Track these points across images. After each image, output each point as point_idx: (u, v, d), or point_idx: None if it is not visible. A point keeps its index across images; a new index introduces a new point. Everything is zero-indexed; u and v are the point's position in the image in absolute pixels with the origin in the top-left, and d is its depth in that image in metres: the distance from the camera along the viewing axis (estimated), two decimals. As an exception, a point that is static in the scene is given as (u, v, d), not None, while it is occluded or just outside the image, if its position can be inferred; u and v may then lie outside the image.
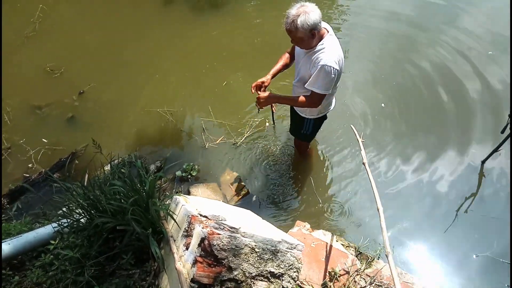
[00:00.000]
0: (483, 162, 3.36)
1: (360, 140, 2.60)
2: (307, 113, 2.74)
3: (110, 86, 4.68)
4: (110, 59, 5.07)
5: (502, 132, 2.91)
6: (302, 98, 2.45)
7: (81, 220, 2.40)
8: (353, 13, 5.21)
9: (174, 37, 5.30)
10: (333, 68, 2.23)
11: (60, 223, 2.38)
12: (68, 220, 2.36)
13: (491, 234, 2.97)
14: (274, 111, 3.53)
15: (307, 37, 2.22)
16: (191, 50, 5.04)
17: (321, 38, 2.31)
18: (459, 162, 3.44)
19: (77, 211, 2.46)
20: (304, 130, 2.90)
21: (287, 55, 2.73)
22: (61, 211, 2.67)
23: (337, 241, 2.58)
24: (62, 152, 3.92)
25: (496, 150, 3.13)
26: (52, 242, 2.38)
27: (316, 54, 2.30)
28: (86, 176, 3.24)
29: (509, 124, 2.80)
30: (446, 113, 3.87)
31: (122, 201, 2.31)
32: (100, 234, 2.30)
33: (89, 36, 5.60)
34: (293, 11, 2.17)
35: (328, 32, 2.35)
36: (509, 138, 2.89)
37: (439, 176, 3.36)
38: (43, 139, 4.04)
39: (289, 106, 3.00)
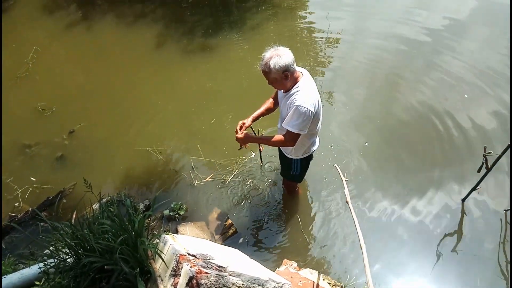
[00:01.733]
0: (463, 200, 3.47)
1: (343, 179, 2.70)
2: (293, 154, 2.84)
3: (100, 125, 4.78)
4: (101, 99, 5.21)
5: (478, 171, 3.04)
6: (277, 137, 2.57)
7: (67, 259, 2.39)
8: (337, 57, 5.47)
9: (164, 79, 5.49)
10: (307, 109, 2.36)
11: (46, 263, 2.37)
12: (55, 260, 2.34)
13: (474, 271, 3.02)
14: (261, 150, 3.64)
15: (280, 78, 2.37)
16: (180, 91, 5.21)
17: (295, 80, 2.46)
18: (441, 201, 3.53)
19: (64, 251, 2.46)
20: (293, 171, 3.00)
21: (271, 100, 2.90)
22: (47, 250, 2.65)
23: (323, 279, 2.61)
24: (50, 191, 3.93)
25: (474, 188, 3.25)
26: (37, 283, 2.36)
27: (292, 96, 2.44)
28: (74, 214, 3.25)
29: (484, 164, 2.94)
30: (427, 153, 4.01)
31: (111, 240, 2.32)
32: (87, 274, 2.28)
33: (80, 77, 5.78)
34: (267, 54, 2.36)
35: (303, 75, 2.50)
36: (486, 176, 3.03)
37: (421, 214, 3.44)
38: (32, 178, 4.05)
39: (277, 148, 3.11)
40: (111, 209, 2.59)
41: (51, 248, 2.54)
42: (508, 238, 3.19)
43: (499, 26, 5.69)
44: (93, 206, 3.44)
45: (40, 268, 2.36)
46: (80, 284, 2.26)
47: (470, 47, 5.39)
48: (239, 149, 2.87)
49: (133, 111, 4.93)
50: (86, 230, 2.37)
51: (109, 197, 3.59)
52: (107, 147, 4.45)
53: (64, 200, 3.85)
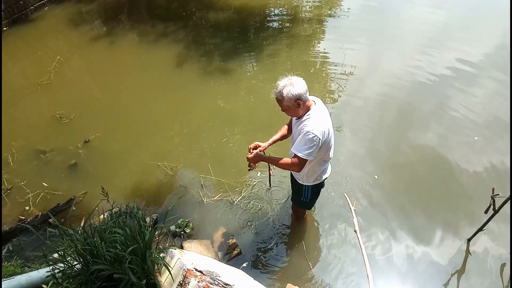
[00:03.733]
0: (469, 240, 3.47)
1: (352, 208, 2.74)
2: (304, 180, 2.89)
3: (115, 137, 4.89)
4: (118, 113, 5.35)
5: (486, 212, 3.05)
6: (286, 160, 2.62)
7: (76, 265, 2.43)
8: (349, 90, 5.59)
9: (180, 97, 5.64)
10: (316, 136, 2.43)
11: (54, 267, 2.41)
12: (64, 264, 2.38)
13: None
14: (271, 174, 3.70)
15: (293, 106, 2.47)
16: (195, 110, 5.34)
17: (308, 109, 2.55)
18: (447, 240, 3.52)
19: (73, 256, 2.50)
20: (304, 198, 3.04)
21: (285, 126, 3.00)
22: (56, 254, 2.69)
23: (326, 307, 2.60)
24: (60, 197, 4.00)
25: (481, 229, 3.26)
26: (44, 286, 2.39)
27: (303, 123, 2.53)
28: (83, 221, 3.31)
29: (491, 205, 2.97)
30: (435, 190, 4.02)
31: (120, 249, 2.36)
32: (94, 281, 2.32)
33: (99, 90, 5.98)
34: (281, 82, 2.47)
35: (315, 103, 2.60)
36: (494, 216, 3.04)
37: (427, 252, 3.43)
38: (44, 183, 4.13)
39: (290, 175, 3.17)
40: (123, 220, 2.65)
41: (60, 252, 2.58)
42: (513, 282, 3.18)
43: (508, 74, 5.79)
44: (101, 216, 3.48)
45: (48, 272, 2.39)
46: (86, 290, 2.30)
47: (481, 92, 5.46)
48: (249, 170, 2.93)
49: (147, 127, 5.06)
50: (97, 238, 2.42)
51: (119, 208, 3.64)
52: (119, 159, 4.55)
53: (74, 208, 3.90)
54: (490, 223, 3.11)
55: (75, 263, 2.44)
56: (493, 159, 4.28)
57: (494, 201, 2.93)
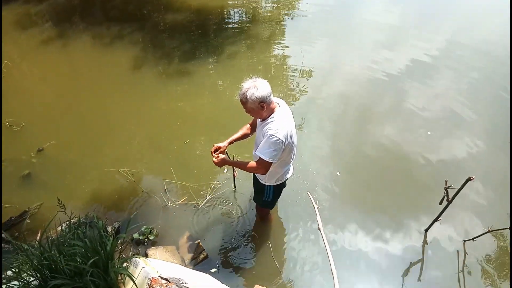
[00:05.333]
0: (426, 230, 3.65)
1: (315, 206, 2.80)
2: (266, 180, 2.92)
3: (70, 145, 4.69)
4: (72, 119, 5.13)
5: (440, 203, 3.23)
6: (251, 164, 2.65)
7: (33, 282, 2.31)
8: (309, 89, 5.70)
9: (139, 101, 5.50)
10: (279, 139, 2.46)
11: (8, 285, 2.28)
12: (20, 282, 2.26)
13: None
14: (235, 176, 3.70)
15: (257, 108, 2.49)
16: (155, 114, 5.23)
17: (272, 111, 2.58)
18: (406, 231, 3.69)
19: (28, 273, 2.38)
20: (266, 197, 3.07)
21: (248, 126, 3.02)
22: (9, 272, 2.54)
23: (293, 305, 2.64)
24: (13, 211, 3.78)
25: (436, 219, 3.44)
26: (-2, 306, 2.25)
27: (267, 126, 2.56)
28: (39, 235, 3.15)
29: (445, 196, 3.14)
30: (395, 184, 4.21)
31: (80, 262, 2.28)
32: (53, 297, 2.22)
33: (52, 95, 5.70)
34: (245, 84, 2.48)
35: (279, 105, 2.64)
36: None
37: (387, 244, 3.57)
38: (-6, 196, 3.88)
39: (252, 175, 3.19)
40: (82, 231, 2.55)
41: (14, 269, 2.44)
42: (466, 267, 3.37)
43: (464, 67, 6.19)
44: (58, 228, 3.33)
45: (1, 291, 2.26)
46: (45, 308, 2.19)
47: (435, 87, 5.76)
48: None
49: (105, 132, 4.90)
50: (55, 251, 2.32)
51: (77, 218, 3.50)
52: (76, 168, 4.36)
53: (28, 221, 3.70)
54: (445, 213, 3.28)
55: (32, 279, 2.33)
56: (446, 153, 4.53)
57: (447, 193, 3.11)
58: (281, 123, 2.51)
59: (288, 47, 6.91)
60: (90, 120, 5.11)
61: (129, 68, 6.21)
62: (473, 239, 3.45)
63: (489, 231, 3.25)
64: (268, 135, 2.48)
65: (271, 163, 2.57)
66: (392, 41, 7.03)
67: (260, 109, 2.50)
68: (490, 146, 4.63)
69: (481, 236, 3.38)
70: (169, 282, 2.16)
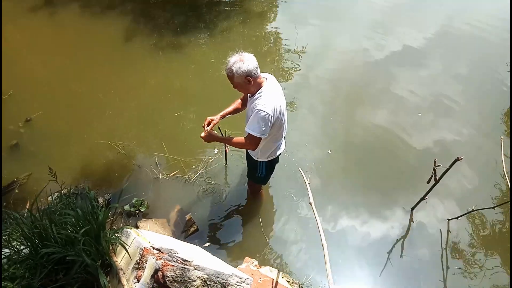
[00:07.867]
0: (412, 209, 3.74)
1: (307, 182, 2.83)
2: (259, 156, 2.93)
3: (59, 116, 4.62)
4: (62, 89, 5.03)
5: (428, 182, 3.30)
6: (240, 139, 2.66)
7: (23, 250, 2.32)
8: (302, 68, 5.66)
9: (130, 73, 5.40)
10: (267, 113, 2.45)
11: (-1, 253, 2.27)
12: (10, 250, 2.26)
13: (418, 275, 3.27)
14: (227, 151, 3.71)
15: (244, 83, 2.47)
16: (146, 87, 5.15)
17: (259, 86, 2.56)
18: (393, 210, 3.78)
19: (19, 241, 2.38)
20: (259, 173, 3.08)
21: (239, 100, 3.00)
22: None
23: (282, 277, 2.71)
24: (2, 181, 3.72)
25: (423, 198, 3.52)
26: (-13, 273, 2.25)
27: (255, 101, 2.54)
28: (29, 204, 3.13)
29: (433, 176, 3.20)
30: (385, 164, 4.25)
31: (72, 231, 2.28)
32: (44, 265, 2.23)
33: (39, 65, 5.54)
34: (231, 59, 2.45)
35: (267, 80, 2.62)
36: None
37: (376, 221, 3.65)
38: (-19, 166, 3.82)
39: (245, 151, 3.19)
40: (73, 201, 2.54)
41: (4, 237, 2.44)
42: (449, 244, 3.49)
43: (455, 52, 6.18)
44: (49, 198, 3.32)
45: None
46: (35, 275, 2.20)
47: (426, 72, 5.75)
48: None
49: (95, 104, 4.81)
50: (46, 220, 2.31)
51: (68, 189, 3.49)
52: (66, 139, 4.31)
53: (17, 191, 3.67)
54: (432, 193, 3.35)
55: (22, 247, 2.33)
56: (435, 135, 4.59)
57: (435, 172, 3.16)
58: (268, 98, 2.49)
59: (282, 24, 6.77)
60: (79, 91, 5.01)
61: (121, 39, 6.06)
62: (457, 217, 3.54)
63: (473, 210, 3.34)
64: (256, 110, 2.47)
65: (261, 138, 2.57)
66: (387, 23, 6.94)
67: (247, 84, 2.47)
68: (479, 131, 4.68)
69: (464, 215, 3.48)
70: (161, 252, 2.19)
